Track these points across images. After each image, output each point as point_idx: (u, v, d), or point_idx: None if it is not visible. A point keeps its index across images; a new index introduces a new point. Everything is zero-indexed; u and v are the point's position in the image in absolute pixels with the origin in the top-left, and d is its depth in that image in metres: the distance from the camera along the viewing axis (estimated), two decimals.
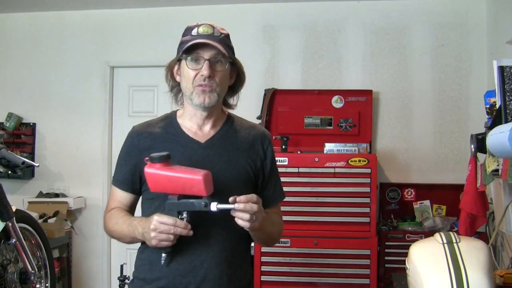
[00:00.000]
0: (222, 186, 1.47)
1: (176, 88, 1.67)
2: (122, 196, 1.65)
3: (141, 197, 1.67)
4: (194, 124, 1.64)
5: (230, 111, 1.73)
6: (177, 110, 1.71)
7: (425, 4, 4.01)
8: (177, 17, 4.20)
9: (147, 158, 1.45)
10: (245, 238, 1.64)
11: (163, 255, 1.48)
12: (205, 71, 1.53)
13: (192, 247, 1.53)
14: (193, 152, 1.56)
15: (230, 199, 1.41)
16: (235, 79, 1.66)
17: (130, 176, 1.63)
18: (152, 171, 1.43)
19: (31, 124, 4.44)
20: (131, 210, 1.68)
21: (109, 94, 4.38)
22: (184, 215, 1.43)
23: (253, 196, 1.43)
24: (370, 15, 4.07)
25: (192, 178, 1.39)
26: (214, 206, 1.40)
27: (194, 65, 1.55)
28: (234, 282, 1.59)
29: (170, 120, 1.68)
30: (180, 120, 1.66)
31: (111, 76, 4.40)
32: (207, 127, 1.64)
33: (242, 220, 1.42)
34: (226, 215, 1.46)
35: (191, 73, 1.55)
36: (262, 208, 1.48)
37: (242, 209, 1.40)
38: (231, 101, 1.71)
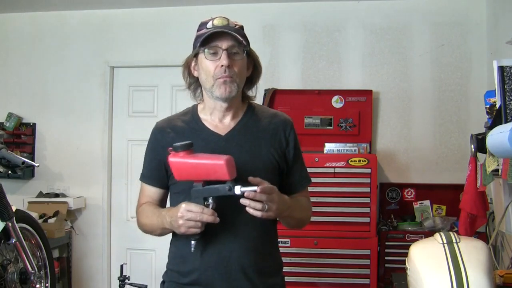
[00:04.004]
0: (244, 177, 1.48)
1: (193, 84, 1.69)
2: (151, 191, 1.69)
3: (170, 193, 1.70)
4: (215, 117, 1.65)
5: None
6: (197, 103, 1.73)
7: (425, 4, 4.01)
8: (177, 17, 4.20)
9: (170, 148, 1.48)
10: (272, 226, 1.67)
11: (193, 242, 1.51)
12: (224, 60, 1.54)
13: (220, 238, 1.56)
14: (214, 145, 1.59)
15: (251, 179, 1.44)
16: (252, 70, 1.68)
17: (156, 172, 1.66)
18: (176, 160, 1.47)
19: (31, 124, 4.44)
20: (161, 204, 1.71)
21: (109, 94, 4.38)
22: (210, 201, 1.46)
23: (265, 188, 1.44)
24: (370, 15, 4.07)
25: (215, 163, 1.42)
26: (238, 189, 1.42)
27: (213, 56, 1.57)
28: (264, 270, 1.61)
29: (191, 114, 1.70)
30: (201, 114, 1.68)
31: (111, 76, 4.40)
32: (228, 119, 1.66)
33: (253, 209, 1.43)
34: None
35: (210, 66, 1.57)
36: (277, 198, 1.48)
37: (252, 198, 1.42)
38: (250, 93, 1.72)
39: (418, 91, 4.00)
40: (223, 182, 1.44)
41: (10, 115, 4.38)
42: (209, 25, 1.59)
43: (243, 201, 1.43)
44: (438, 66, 3.98)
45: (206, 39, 1.56)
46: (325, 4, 4.12)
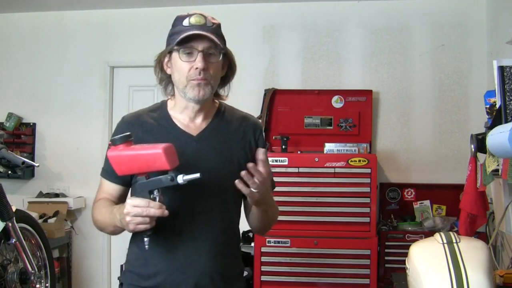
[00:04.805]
0: (215, 178, 1.46)
1: (165, 80, 1.63)
2: (110, 188, 1.62)
3: (130, 190, 1.64)
4: (186, 116, 1.61)
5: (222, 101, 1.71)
6: (167, 100, 1.67)
7: (425, 4, 4.01)
8: None
9: (110, 143, 1.42)
10: (237, 230, 1.68)
11: (145, 239, 1.44)
12: (199, 63, 1.49)
13: (188, 242, 1.53)
14: (186, 146, 1.54)
15: (250, 165, 1.40)
16: (227, 69, 1.63)
17: None
18: (114, 153, 1.40)
19: (31, 124, 4.44)
20: (120, 202, 1.62)
21: (109, 94, 4.38)
22: (156, 193, 1.40)
23: (268, 168, 1.43)
24: (370, 15, 4.07)
25: (152, 153, 1.36)
26: (180, 179, 1.37)
27: (188, 57, 1.51)
28: (230, 275, 1.61)
29: (161, 111, 1.64)
30: (171, 112, 1.63)
31: (111, 76, 4.40)
32: (199, 119, 1.61)
33: (243, 185, 1.40)
34: (222, 207, 1.51)
35: (184, 67, 1.51)
36: (268, 186, 1.47)
37: (253, 173, 1.39)
38: (222, 92, 1.68)
39: (418, 91, 4.00)
40: (167, 172, 1.38)
41: (10, 115, 4.38)
42: (186, 22, 1.52)
43: (244, 174, 1.38)
44: (438, 66, 3.98)
45: (182, 39, 1.50)
46: (325, 4, 4.12)
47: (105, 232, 1.61)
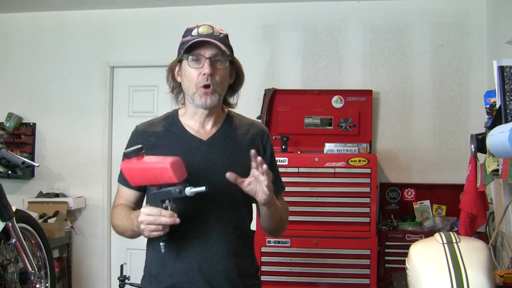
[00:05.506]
0: (224, 182, 1.50)
1: (177, 89, 1.72)
2: (127, 193, 1.70)
3: (146, 196, 1.70)
4: (196, 122, 1.68)
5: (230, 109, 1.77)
6: (178, 108, 1.75)
7: (425, 4, 4.01)
8: (177, 17, 4.20)
9: (123, 155, 1.49)
10: (249, 230, 1.73)
11: (161, 244, 1.51)
12: (206, 69, 1.57)
13: (201, 243, 1.59)
14: (197, 150, 1.60)
15: (252, 152, 1.48)
16: (235, 78, 1.71)
17: None
18: (127, 166, 1.48)
19: (31, 124, 4.44)
20: (137, 206, 1.71)
21: (109, 94, 4.38)
22: (167, 203, 1.47)
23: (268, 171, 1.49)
24: (370, 15, 4.07)
25: (160, 167, 1.42)
26: (188, 191, 1.44)
27: (196, 64, 1.60)
28: (243, 271, 1.66)
29: (172, 118, 1.72)
30: (182, 119, 1.71)
31: (111, 76, 4.40)
32: (209, 125, 1.69)
33: (264, 189, 1.48)
34: (233, 208, 1.57)
35: (193, 74, 1.60)
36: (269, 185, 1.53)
37: (266, 172, 1.47)
38: (231, 100, 1.75)
39: (418, 91, 4.00)
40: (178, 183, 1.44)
41: (10, 115, 4.38)
42: (194, 32, 1.61)
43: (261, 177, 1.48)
44: (438, 66, 3.98)
45: (190, 47, 1.58)
46: (325, 4, 4.12)
47: (124, 236, 1.68)
